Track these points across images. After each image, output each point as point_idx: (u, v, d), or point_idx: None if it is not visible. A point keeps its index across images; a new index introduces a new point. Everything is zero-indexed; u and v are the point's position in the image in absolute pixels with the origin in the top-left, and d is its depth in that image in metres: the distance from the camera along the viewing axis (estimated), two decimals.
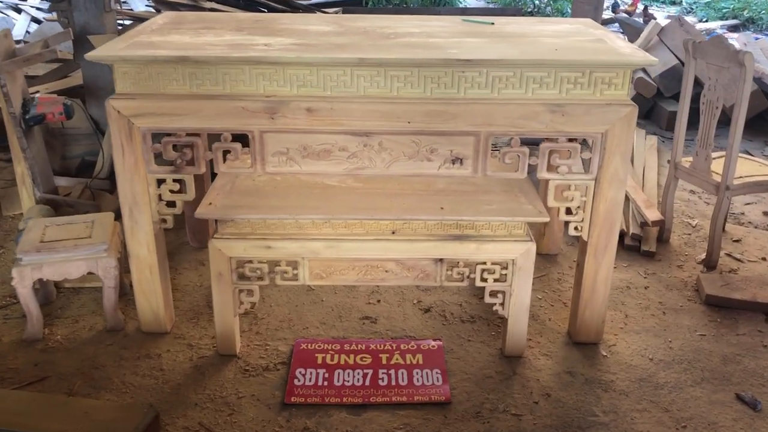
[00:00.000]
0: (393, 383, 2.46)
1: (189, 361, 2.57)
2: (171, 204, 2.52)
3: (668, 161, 3.55)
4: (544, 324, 2.83)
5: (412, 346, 2.66)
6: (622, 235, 3.49)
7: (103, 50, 2.35)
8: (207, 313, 2.83)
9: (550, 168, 2.42)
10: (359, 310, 2.90)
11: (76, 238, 2.66)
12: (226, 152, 2.40)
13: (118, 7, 4.63)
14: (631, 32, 6.48)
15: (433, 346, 2.66)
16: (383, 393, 2.41)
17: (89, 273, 2.65)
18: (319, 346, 2.65)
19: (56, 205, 3.31)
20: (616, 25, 7.84)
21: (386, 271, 2.50)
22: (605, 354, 2.65)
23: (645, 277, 3.19)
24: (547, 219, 2.43)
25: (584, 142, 2.73)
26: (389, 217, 2.41)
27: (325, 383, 2.45)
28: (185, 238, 3.39)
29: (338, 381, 2.46)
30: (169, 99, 2.34)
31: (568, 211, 2.51)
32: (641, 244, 3.42)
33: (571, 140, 2.39)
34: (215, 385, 2.45)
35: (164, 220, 2.54)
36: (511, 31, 2.74)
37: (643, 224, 3.50)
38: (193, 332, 2.73)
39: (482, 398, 2.41)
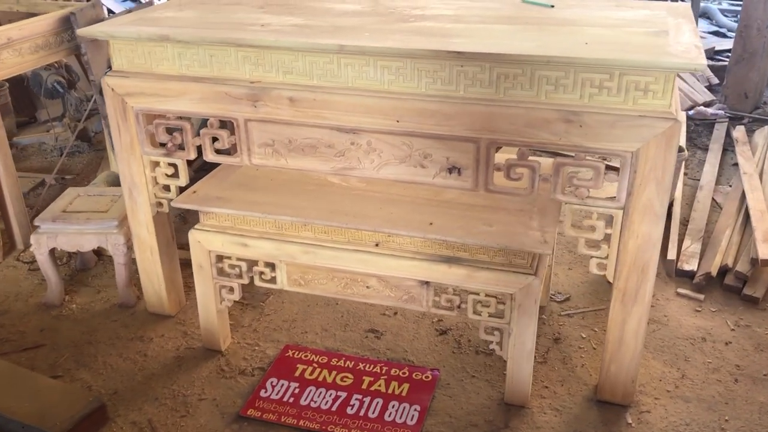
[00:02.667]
0: (361, 413, 2.19)
1: (175, 350, 2.49)
2: (167, 188, 2.43)
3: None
4: (573, 371, 2.37)
5: (403, 373, 2.35)
6: (724, 272, 2.85)
7: (98, 26, 2.28)
8: (235, 306, 2.72)
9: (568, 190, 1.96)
10: (369, 321, 2.63)
11: (93, 212, 2.67)
12: (214, 139, 2.25)
13: None
14: None
15: (427, 377, 2.33)
16: (345, 423, 2.15)
17: (99, 248, 2.66)
18: (306, 356, 2.43)
19: None
20: None
21: (368, 287, 2.21)
22: (630, 422, 2.15)
23: (732, 330, 2.57)
24: (548, 252, 1.98)
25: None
26: (365, 227, 2.11)
27: (291, 399, 2.24)
28: None
29: (305, 400, 2.24)
30: (159, 79, 2.22)
31: (593, 246, 2.04)
32: (744, 287, 2.76)
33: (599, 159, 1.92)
34: (185, 381, 2.34)
35: (161, 204, 2.45)
36: (566, 17, 2.26)
37: (754, 261, 2.82)
38: (196, 321, 2.64)
39: None
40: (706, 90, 4.88)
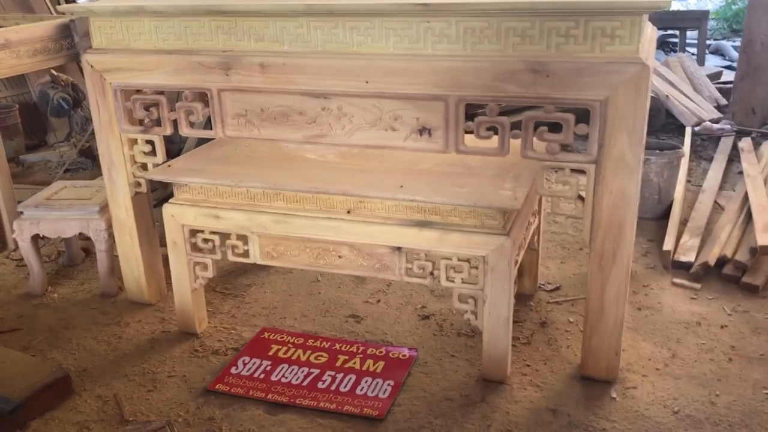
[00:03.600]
0: (332, 388, 2.10)
1: (150, 334, 2.44)
2: (145, 167, 2.42)
3: None
4: (558, 351, 2.27)
5: (380, 352, 2.27)
6: (723, 262, 2.74)
7: (78, 4, 2.33)
8: (209, 294, 2.68)
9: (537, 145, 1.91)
10: (351, 308, 2.56)
11: (76, 199, 2.67)
12: (189, 113, 2.25)
13: None
14: None
15: (404, 356, 2.25)
16: (314, 396, 2.06)
17: (81, 233, 2.65)
18: (281, 338, 2.36)
19: None
20: None
21: (340, 257, 2.15)
22: (615, 396, 2.03)
23: (729, 314, 2.44)
24: (517, 207, 1.91)
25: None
26: (334, 191, 2.07)
27: (262, 376, 2.17)
28: None
29: (276, 376, 2.16)
30: (135, 54, 2.25)
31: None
32: (744, 275, 2.65)
33: (564, 110, 1.87)
34: (156, 360, 2.28)
35: (139, 183, 2.45)
36: None
37: (754, 250, 2.71)
38: (175, 309, 2.59)
39: (424, 422, 1.96)
40: (713, 108, 4.82)
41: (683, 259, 2.78)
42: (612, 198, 1.90)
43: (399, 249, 2.07)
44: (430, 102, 1.97)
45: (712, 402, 2.00)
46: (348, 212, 2.11)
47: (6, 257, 3.08)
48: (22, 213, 2.64)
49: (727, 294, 2.58)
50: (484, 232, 1.97)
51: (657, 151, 3.23)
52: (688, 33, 6.81)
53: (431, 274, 2.07)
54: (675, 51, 7.11)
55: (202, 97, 2.23)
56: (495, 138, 1.94)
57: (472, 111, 2.26)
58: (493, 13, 1.84)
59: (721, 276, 2.68)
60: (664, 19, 6.08)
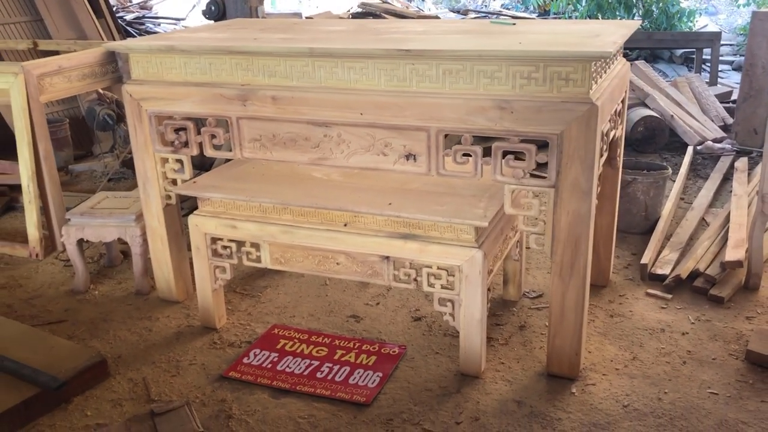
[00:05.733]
0: (329, 378, 2.43)
1: (176, 327, 2.80)
2: (174, 182, 2.79)
3: (757, 192, 2.96)
4: (531, 351, 2.55)
5: (373, 348, 2.59)
6: (696, 275, 2.99)
7: (120, 42, 2.71)
8: (229, 294, 3.04)
9: (507, 171, 2.22)
10: (353, 309, 2.89)
11: (116, 208, 3.05)
12: (212, 136, 2.61)
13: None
14: None
15: (394, 351, 2.56)
16: (312, 384, 2.39)
17: (119, 238, 3.03)
18: (289, 333, 2.70)
19: None
20: None
21: (337, 264, 2.48)
22: (574, 391, 2.31)
23: (692, 323, 2.70)
24: (485, 224, 2.22)
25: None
26: (332, 206, 2.40)
27: (269, 366, 2.50)
28: None
29: (281, 366, 2.50)
30: (168, 85, 2.62)
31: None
32: (712, 287, 2.89)
33: (527, 141, 2.17)
34: (180, 350, 2.64)
35: (169, 196, 2.81)
36: (519, 30, 2.56)
37: (723, 265, 2.95)
38: None
39: (405, 408, 2.27)
40: (717, 128, 5.03)
41: (659, 271, 3.04)
42: (569, 218, 2.19)
43: (387, 258, 2.39)
44: (415, 132, 2.29)
45: (660, 398, 2.27)
46: (345, 225, 2.43)
47: (55, 258, 3.48)
48: (69, 220, 3.03)
49: (694, 305, 2.83)
50: (459, 245, 2.28)
51: (645, 171, 3.49)
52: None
53: (415, 280, 2.38)
54: (692, 69, 7.27)
55: (224, 123, 2.58)
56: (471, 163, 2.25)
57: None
58: (466, 57, 2.15)
59: (692, 288, 2.93)
60: (677, 40, 6.28)
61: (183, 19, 10.26)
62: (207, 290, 2.72)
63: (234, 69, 2.50)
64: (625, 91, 2.73)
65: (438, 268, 2.33)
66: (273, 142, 2.51)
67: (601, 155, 2.25)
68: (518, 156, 2.20)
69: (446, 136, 2.28)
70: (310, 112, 2.40)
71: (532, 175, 2.25)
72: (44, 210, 3.46)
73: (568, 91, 2.09)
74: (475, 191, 2.44)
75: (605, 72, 2.32)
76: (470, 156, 2.24)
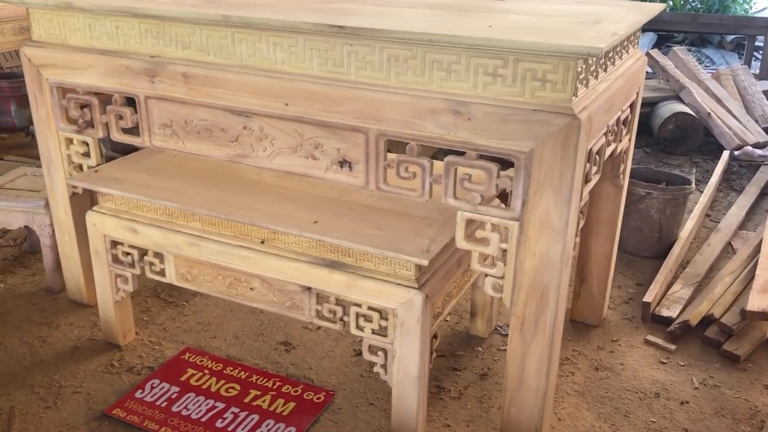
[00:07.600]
0: (230, 428, 1.96)
1: (76, 340, 2.36)
2: (80, 168, 2.32)
3: None
4: (488, 412, 2.06)
5: (295, 391, 2.11)
6: (709, 322, 2.45)
7: None
8: (151, 300, 2.59)
9: (461, 194, 1.70)
10: (287, 333, 2.41)
11: (27, 190, 2.60)
12: (119, 117, 2.13)
13: None
14: None
15: (319, 398, 2.08)
16: None
17: (26, 226, 2.58)
18: (201, 361, 2.24)
19: None
20: None
21: (251, 289, 2.00)
22: None
23: (696, 387, 2.17)
24: (425, 262, 1.70)
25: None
26: (242, 220, 1.91)
27: (164, 404, 2.05)
28: None
29: (178, 406, 2.04)
30: (70, 51, 2.14)
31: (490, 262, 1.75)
32: (727, 341, 2.35)
33: (486, 157, 1.65)
34: (69, 372, 2.20)
35: (75, 185, 2.35)
36: (506, 7, 2.03)
37: (743, 313, 2.40)
38: None
39: None
40: (761, 131, 4.39)
41: (665, 313, 2.50)
42: (535, 261, 1.67)
43: (309, 289, 1.90)
44: (351, 133, 1.77)
45: None
46: (262, 242, 1.94)
47: None
48: None
49: (702, 361, 2.30)
50: (395, 283, 1.78)
51: (663, 185, 2.92)
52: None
53: (342, 320, 1.89)
54: (743, 57, 6.54)
55: (132, 102, 2.10)
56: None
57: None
58: (414, 41, 1.62)
59: (702, 339, 2.39)
60: (726, 25, 5.58)
61: None
62: (108, 302, 2.26)
63: (143, 36, 2.01)
64: (637, 93, 2.16)
65: (369, 308, 1.83)
66: (186, 131, 2.02)
67: (588, 181, 1.71)
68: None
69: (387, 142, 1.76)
70: (227, 97, 1.90)
71: (501, 200, 1.74)
72: None
73: (544, 96, 1.55)
74: (428, 211, 1.93)
75: (604, 71, 1.77)
76: (417, 169, 1.72)
